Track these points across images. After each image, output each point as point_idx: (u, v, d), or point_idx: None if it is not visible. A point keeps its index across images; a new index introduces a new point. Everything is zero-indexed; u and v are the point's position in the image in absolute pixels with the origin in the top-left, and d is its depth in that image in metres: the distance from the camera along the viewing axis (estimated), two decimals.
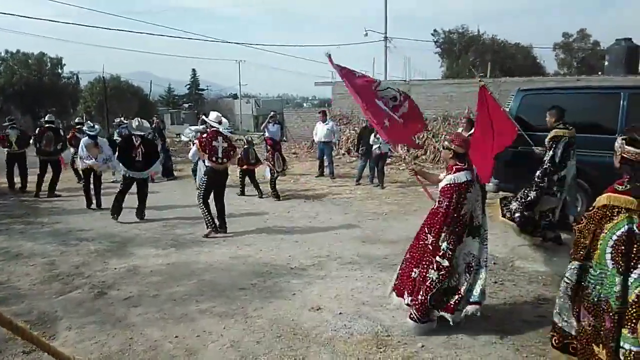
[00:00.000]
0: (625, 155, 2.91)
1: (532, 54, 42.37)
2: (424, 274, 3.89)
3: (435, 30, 42.10)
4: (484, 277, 3.93)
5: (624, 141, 2.93)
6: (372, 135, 10.77)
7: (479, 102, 5.30)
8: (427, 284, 3.85)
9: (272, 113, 14.09)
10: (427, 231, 3.97)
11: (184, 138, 20.88)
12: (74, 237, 7.05)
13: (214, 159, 7.00)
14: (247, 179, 10.28)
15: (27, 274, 5.48)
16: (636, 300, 2.71)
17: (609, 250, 2.82)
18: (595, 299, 2.88)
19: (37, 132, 10.88)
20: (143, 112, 32.87)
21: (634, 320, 2.71)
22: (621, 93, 6.84)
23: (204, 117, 7.75)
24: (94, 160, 8.78)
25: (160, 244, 6.62)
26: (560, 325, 3.13)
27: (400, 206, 8.81)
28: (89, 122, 10.48)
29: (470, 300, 3.88)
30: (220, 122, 7.27)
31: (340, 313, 4.26)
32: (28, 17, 25.15)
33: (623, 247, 2.77)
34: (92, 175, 9.10)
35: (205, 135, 7.25)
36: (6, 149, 10.99)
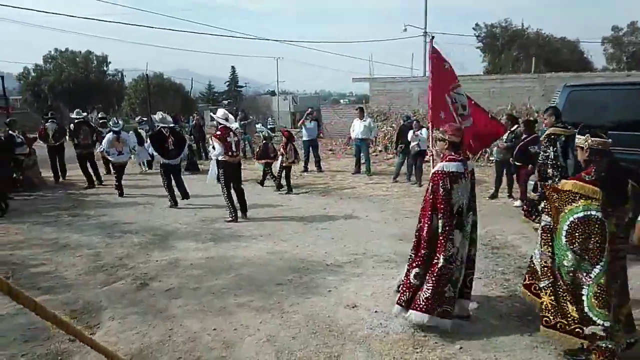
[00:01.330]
0: (593, 146, 3.31)
1: (579, 48, 40.79)
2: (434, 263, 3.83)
3: (477, 25, 41.12)
4: (460, 276, 3.93)
5: (588, 135, 3.35)
6: (411, 132, 10.64)
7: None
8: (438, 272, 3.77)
9: (309, 110, 14.15)
10: (419, 220, 3.97)
11: None
12: (119, 229, 7.29)
13: (230, 153, 7.63)
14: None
15: (73, 264, 5.71)
16: (598, 291, 3.12)
17: (565, 228, 3.23)
18: (557, 263, 3.33)
19: (72, 128, 11.55)
20: (185, 109, 33.62)
21: (607, 302, 3.11)
22: None
23: (211, 114, 8.46)
24: (122, 154, 9.95)
25: (200, 238, 6.76)
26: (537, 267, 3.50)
27: None
28: (114, 118, 11.63)
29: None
30: (227, 119, 7.90)
31: (376, 311, 4.23)
32: (74, 17, 26.12)
33: (579, 230, 3.16)
34: (120, 169, 10.13)
35: (219, 132, 7.78)
36: (45, 143, 11.77)
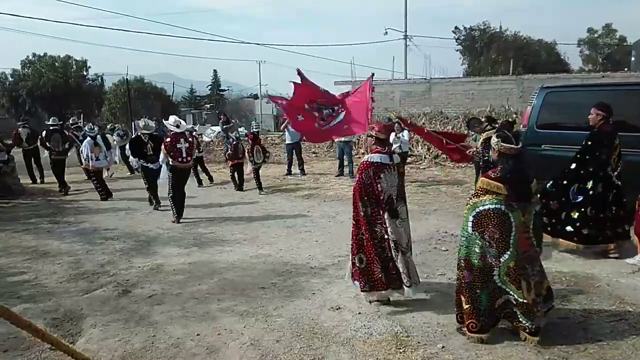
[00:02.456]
0: (501, 150, 3.65)
1: (555, 50, 41.62)
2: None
3: (456, 28, 41.79)
4: (409, 262, 4.28)
5: (499, 139, 3.66)
6: (393, 134, 10.72)
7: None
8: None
9: None
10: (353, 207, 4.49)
11: (205, 138, 21.21)
12: (100, 236, 7.21)
13: (179, 159, 7.77)
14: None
15: (54, 272, 5.63)
16: (513, 270, 3.54)
17: (471, 219, 3.60)
18: (459, 255, 3.70)
19: (44, 134, 11.58)
20: (166, 113, 33.28)
21: (517, 281, 3.53)
22: None
23: (163, 121, 8.72)
24: (99, 160, 10.18)
25: (182, 243, 6.73)
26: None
27: (420, 206, 8.75)
28: (89, 124, 11.81)
29: (405, 282, 4.18)
30: (178, 126, 8.03)
31: (359, 313, 4.27)
32: (54, 21, 25.73)
33: (485, 221, 3.53)
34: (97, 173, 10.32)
35: (168, 139, 7.88)
36: (20, 148, 12.27)
